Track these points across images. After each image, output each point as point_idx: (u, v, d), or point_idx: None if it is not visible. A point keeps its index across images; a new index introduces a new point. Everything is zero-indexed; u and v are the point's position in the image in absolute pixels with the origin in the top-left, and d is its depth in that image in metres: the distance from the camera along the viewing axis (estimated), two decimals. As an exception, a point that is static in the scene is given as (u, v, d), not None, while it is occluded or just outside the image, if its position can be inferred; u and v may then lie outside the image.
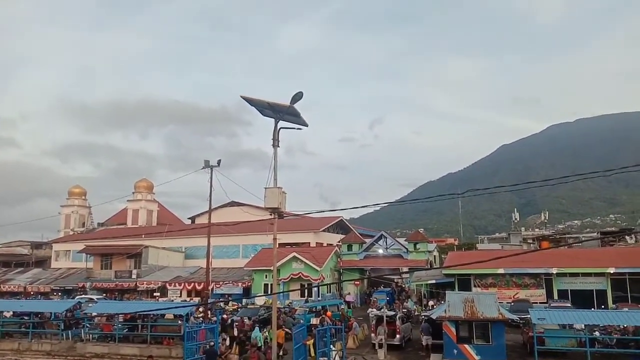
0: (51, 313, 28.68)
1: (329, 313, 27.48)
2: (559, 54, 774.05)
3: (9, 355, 25.40)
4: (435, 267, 46.66)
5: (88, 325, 26.99)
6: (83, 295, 43.74)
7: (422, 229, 57.00)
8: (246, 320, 27.23)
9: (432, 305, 31.46)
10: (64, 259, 64.43)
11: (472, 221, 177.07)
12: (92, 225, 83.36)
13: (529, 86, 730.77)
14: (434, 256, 52.75)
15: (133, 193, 78.33)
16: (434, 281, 36.52)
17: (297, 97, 16.29)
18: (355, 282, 43.09)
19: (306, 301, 35.27)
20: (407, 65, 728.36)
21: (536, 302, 31.30)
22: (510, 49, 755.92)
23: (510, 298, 33.07)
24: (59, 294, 49.99)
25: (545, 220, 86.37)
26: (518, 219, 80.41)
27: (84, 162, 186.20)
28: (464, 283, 35.19)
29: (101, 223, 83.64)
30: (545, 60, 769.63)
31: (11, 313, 30.97)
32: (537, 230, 76.04)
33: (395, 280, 45.80)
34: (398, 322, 23.72)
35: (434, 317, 21.63)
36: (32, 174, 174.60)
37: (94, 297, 42.18)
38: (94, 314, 28.09)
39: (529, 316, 20.63)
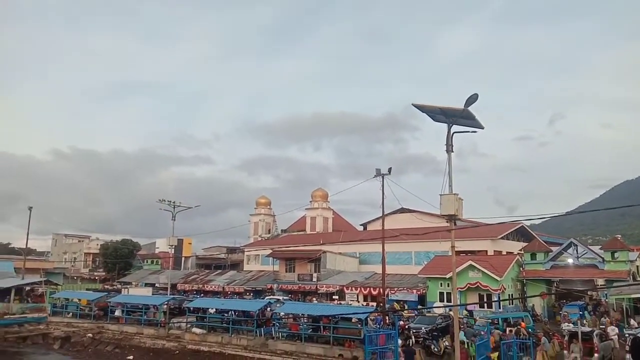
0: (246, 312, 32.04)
1: (523, 324, 25.84)
2: None
3: (215, 347, 29.04)
4: None
5: (278, 324, 29.49)
6: (271, 296, 47.78)
7: (619, 235, 49.91)
8: (423, 328, 27.03)
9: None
10: (254, 263, 71.32)
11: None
12: (277, 231, 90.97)
13: None
14: (637, 266, 45.88)
15: (310, 202, 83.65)
16: None
17: (472, 99, 15.76)
18: (542, 295, 39.63)
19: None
20: (585, 55, 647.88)
21: None
22: None
23: None
24: (251, 294, 55.40)
25: None
26: None
27: (266, 174, 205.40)
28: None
29: (284, 230, 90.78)
30: None
31: (214, 310, 35.39)
32: None
33: (589, 294, 40.96)
34: (596, 340, 21.20)
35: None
36: (225, 186, 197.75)
37: (281, 297, 45.85)
38: (282, 314, 30.57)
39: None
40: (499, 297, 37.38)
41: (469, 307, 37.31)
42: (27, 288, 48.83)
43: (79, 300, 41.96)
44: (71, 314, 40.29)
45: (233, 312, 32.89)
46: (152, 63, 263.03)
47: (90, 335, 33.75)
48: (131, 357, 29.23)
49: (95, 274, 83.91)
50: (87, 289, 56.97)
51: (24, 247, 60.96)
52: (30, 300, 47.08)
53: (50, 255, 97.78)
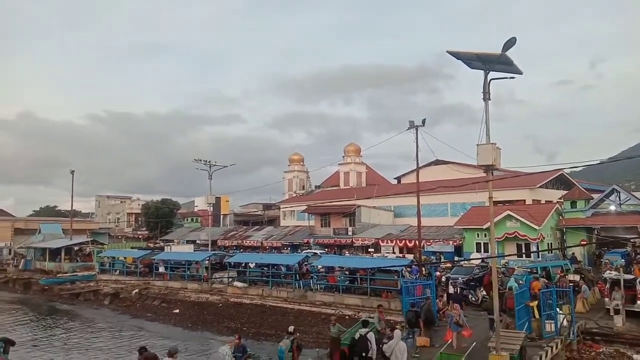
0: (286, 265, 32.80)
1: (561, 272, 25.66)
2: None
3: (256, 299, 30.04)
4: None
5: (316, 276, 30.14)
6: (308, 250, 48.71)
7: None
8: (460, 279, 27.11)
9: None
10: (289, 218, 72.47)
11: None
12: (311, 187, 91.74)
13: None
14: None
15: (343, 157, 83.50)
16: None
17: (510, 43, 15.00)
18: (582, 242, 38.93)
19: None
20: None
21: None
22: None
23: None
24: (288, 248, 56.58)
25: None
26: None
27: (298, 130, 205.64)
28: None
29: (318, 185, 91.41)
30: None
31: (254, 264, 36.40)
32: None
33: (633, 241, 39.97)
34: (639, 287, 20.81)
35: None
36: (258, 144, 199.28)
37: (318, 251, 46.70)
38: (320, 267, 31.16)
39: None
40: (537, 247, 36.95)
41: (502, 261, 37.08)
42: (76, 248, 51.32)
43: (125, 258, 43.78)
44: (118, 271, 42.20)
45: (272, 266, 33.71)
46: (182, 22, 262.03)
47: (137, 291, 35.38)
48: (177, 310, 30.58)
49: (139, 232, 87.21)
50: (131, 248, 59.35)
51: (70, 209, 63.76)
52: (79, 259, 49.58)
53: (95, 216, 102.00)
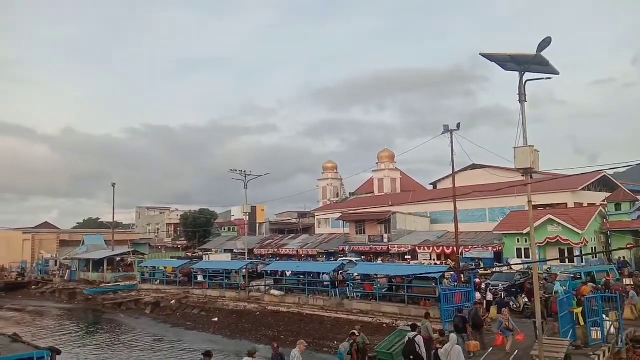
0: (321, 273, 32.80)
1: (610, 277, 24.80)
2: None
3: (293, 307, 30.12)
4: None
5: (352, 284, 30.01)
6: (344, 258, 48.57)
7: None
8: (500, 285, 26.50)
9: None
10: (324, 226, 72.49)
11: None
12: (345, 195, 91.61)
13: None
14: None
15: (377, 163, 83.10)
16: None
17: (545, 43, 14.66)
18: (628, 246, 37.44)
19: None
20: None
21: None
22: None
23: None
24: (324, 256, 56.59)
25: None
26: None
27: (332, 138, 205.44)
28: None
29: (352, 193, 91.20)
30: None
31: (290, 272, 36.54)
32: None
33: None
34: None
35: None
36: (291, 153, 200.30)
37: (353, 259, 46.51)
38: (356, 274, 31.01)
39: None
40: (581, 251, 35.76)
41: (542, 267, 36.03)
42: (118, 258, 52.79)
43: (165, 268, 44.67)
44: (158, 281, 43.11)
45: (308, 274, 33.76)
46: (215, 37, 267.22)
47: (176, 300, 36.06)
48: (216, 319, 30.99)
49: (178, 242, 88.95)
50: (171, 257, 60.60)
51: (112, 221, 65.68)
52: (121, 269, 50.94)
53: (136, 227, 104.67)
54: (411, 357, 14.15)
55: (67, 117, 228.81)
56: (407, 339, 14.69)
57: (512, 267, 31.35)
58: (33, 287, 51.63)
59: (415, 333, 14.75)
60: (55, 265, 58.47)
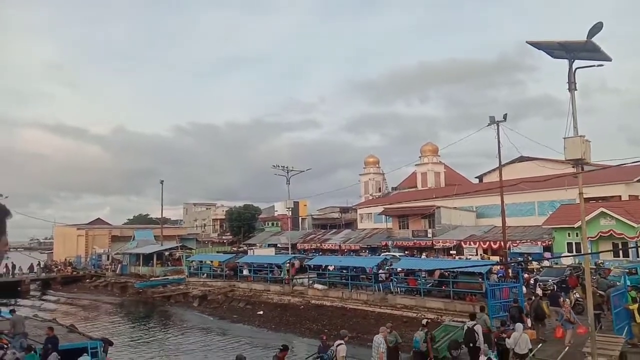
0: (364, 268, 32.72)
1: None
2: None
3: (337, 301, 30.22)
4: None
5: (396, 279, 29.79)
6: (387, 253, 48.30)
7: None
8: (550, 281, 25.70)
9: None
10: (367, 221, 72.28)
11: None
12: (387, 189, 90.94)
13: None
14: None
15: (420, 157, 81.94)
16: None
17: (596, 29, 14.04)
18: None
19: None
20: None
21: None
22: None
23: None
24: (367, 251, 56.43)
25: None
26: None
27: (373, 132, 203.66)
28: None
29: (395, 187, 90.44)
30: None
31: (333, 267, 36.61)
32: None
33: None
34: None
35: None
36: (333, 148, 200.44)
37: (397, 254, 46.17)
38: (399, 269, 30.76)
39: None
40: (636, 245, 34.18)
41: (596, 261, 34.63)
42: (166, 253, 54.36)
43: (211, 262, 45.67)
44: (205, 274, 44.10)
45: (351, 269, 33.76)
46: (257, 36, 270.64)
47: (223, 293, 36.84)
48: (261, 312, 31.47)
49: (223, 237, 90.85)
50: (217, 252, 61.92)
51: (160, 216, 67.79)
52: (170, 263, 52.47)
53: (183, 223, 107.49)
54: (470, 344, 14.64)
55: (118, 116, 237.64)
56: (466, 327, 15.19)
57: (563, 262, 30.33)
58: (87, 280, 53.91)
59: (474, 322, 15.20)
60: (108, 259, 60.81)
